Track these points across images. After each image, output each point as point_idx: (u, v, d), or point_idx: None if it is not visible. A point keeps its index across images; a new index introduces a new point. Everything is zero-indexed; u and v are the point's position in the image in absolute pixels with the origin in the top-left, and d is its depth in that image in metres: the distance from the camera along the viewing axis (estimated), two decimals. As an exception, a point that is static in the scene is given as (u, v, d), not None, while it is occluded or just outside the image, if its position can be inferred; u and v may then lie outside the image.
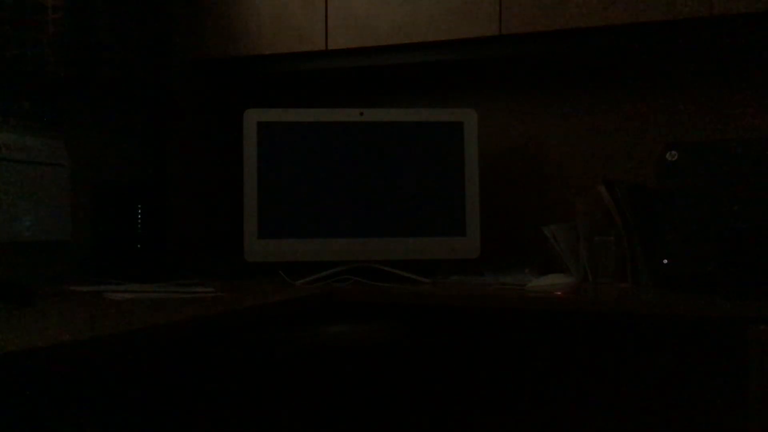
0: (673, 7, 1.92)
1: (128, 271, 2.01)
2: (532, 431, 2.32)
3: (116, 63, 2.11)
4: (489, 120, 2.35)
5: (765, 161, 1.83)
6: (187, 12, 2.36)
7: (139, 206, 2.10)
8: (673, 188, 1.89)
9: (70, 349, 1.15)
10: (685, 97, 2.22)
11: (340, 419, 2.26)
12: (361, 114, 2.14)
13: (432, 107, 2.39)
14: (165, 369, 1.84)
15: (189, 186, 2.42)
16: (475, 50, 2.17)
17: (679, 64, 2.23)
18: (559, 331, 2.30)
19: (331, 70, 2.37)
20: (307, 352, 1.91)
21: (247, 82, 2.57)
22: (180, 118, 2.40)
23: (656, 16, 1.94)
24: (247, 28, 2.30)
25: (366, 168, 2.12)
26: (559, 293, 1.85)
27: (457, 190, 2.12)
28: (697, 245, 1.83)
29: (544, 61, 2.35)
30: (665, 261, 1.86)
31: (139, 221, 2.10)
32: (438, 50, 2.20)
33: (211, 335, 1.61)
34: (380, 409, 2.43)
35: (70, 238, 2.02)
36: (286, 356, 1.97)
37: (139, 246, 2.09)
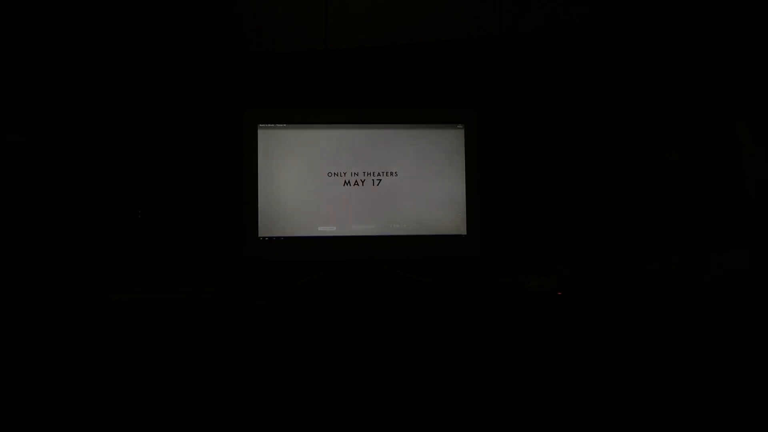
0: (672, 7, 1.92)
1: (128, 271, 2.01)
2: (531, 431, 2.31)
3: (115, 63, 2.11)
4: (489, 120, 2.35)
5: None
6: (187, 12, 2.36)
7: (139, 206, 2.10)
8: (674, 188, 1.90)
9: (71, 349, 1.15)
10: (685, 97, 2.22)
11: (339, 419, 2.26)
12: (361, 114, 2.14)
13: (432, 107, 2.39)
14: (165, 369, 1.84)
15: (189, 186, 2.42)
16: (475, 50, 2.17)
17: (679, 64, 2.23)
18: (559, 330, 2.30)
19: (331, 70, 2.36)
20: (306, 352, 1.92)
21: (247, 82, 2.57)
22: (180, 118, 2.40)
23: (657, 15, 1.94)
24: (246, 27, 2.30)
25: (366, 168, 2.12)
26: (559, 293, 1.85)
27: (457, 190, 2.12)
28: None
29: (545, 61, 2.34)
30: (665, 261, 1.87)
31: (139, 221, 2.10)
32: (438, 50, 2.19)
33: (211, 336, 1.61)
34: (379, 408, 2.42)
35: (70, 238, 2.02)
36: (286, 356, 1.97)
37: (139, 246, 2.09)
